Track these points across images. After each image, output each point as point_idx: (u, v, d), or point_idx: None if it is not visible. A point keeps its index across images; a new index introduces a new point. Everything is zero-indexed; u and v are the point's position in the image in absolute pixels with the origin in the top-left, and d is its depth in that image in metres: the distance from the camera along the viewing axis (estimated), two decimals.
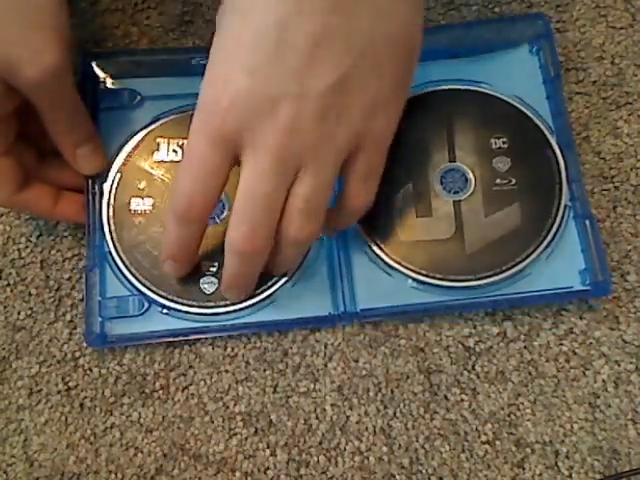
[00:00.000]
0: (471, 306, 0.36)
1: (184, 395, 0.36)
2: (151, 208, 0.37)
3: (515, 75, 0.40)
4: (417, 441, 0.35)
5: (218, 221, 0.37)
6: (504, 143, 0.38)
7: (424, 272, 0.36)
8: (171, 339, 0.36)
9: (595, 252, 0.36)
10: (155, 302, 0.36)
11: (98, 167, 0.37)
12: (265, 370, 0.36)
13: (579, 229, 0.37)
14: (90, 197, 0.37)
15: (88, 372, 0.37)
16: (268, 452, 0.35)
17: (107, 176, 0.37)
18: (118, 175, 0.37)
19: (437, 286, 0.36)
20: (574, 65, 0.41)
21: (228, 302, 0.36)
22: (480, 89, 0.39)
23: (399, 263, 0.36)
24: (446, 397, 0.36)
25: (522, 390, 0.36)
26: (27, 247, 0.38)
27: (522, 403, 0.36)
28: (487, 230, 0.37)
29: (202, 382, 0.36)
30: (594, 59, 0.41)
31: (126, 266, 0.36)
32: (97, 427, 0.36)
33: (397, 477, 0.35)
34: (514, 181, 0.37)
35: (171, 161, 0.37)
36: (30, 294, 0.38)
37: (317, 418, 0.36)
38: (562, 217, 0.37)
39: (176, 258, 0.33)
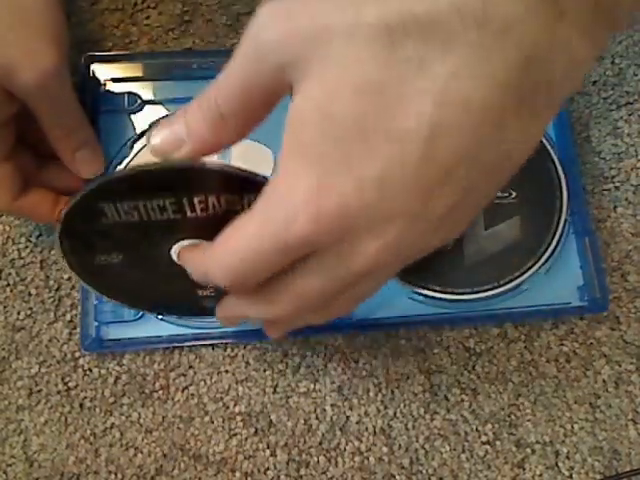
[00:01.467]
0: (468, 319, 0.36)
1: (184, 395, 0.36)
2: (121, 258, 0.33)
3: None
4: (417, 441, 0.35)
5: None
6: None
7: (422, 284, 0.36)
8: (167, 345, 0.36)
9: (594, 269, 0.36)
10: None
11: (97, 170, 0.37)
12: (265, 370, 0.36)
13: (578, 245, 0.37)
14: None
15: (88, 372, 0.36)
16: (268, 452, 0.35)
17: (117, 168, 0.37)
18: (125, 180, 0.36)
19: (434, 298, 0.36)
20: None
21: None
22: None
23: (397, 275, 0.36)
24: (446, 397, 0.36)
25: (522, 390, 0.36)
26: (27, 247, 0.38)
27: (522, 403, 0.36)
28: (486, 243, 0.37)
29: (202, 382, 0.36)
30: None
31: None
32: (97, 427, 0.36)
33: (397, 477, 0.35)
34: (514, 194, 0.37)
35: (135, 219, 0.33)
36: (30, 294, 0.38)
37: (317, 418, 0.36)
38: (562, 232, 0.37)
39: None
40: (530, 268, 0.36)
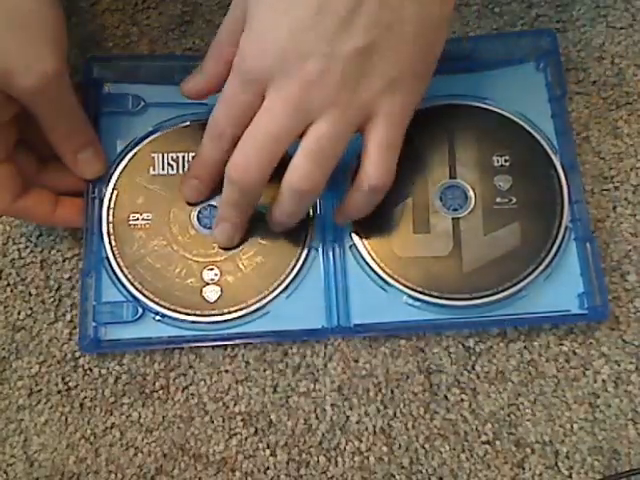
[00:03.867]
0: (466, 325, 0.36)
1: (184, 395, 0.36)
2: (150, 222, 0.37)
3: (520, 92, 0.39)
4: (417, 441, 0.35)
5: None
6: (506, 161, 0.38)
7: (420, 289, 0.36)
8: (165, 346, 0.36)
9: (594, 276, 0.36)
10: (150, 309, 0.36)
11: (99, 171, 0.37)
12: (265, 370, 0.36)
13: (579, 251, 0.36)
14: (89, 202, 0.37)
15: (88, 372, 0.37)
16: (268, 452, 0.35)
17: (107, 185, 0.37)
18: (115, 192, 0.37)
19: (432, 304, 0.36)
20: (574, 65, 0.41)
21: (226, 311, 0.36)
22: (483, 105, 0.39)
23: (394, 279, 0.36)
24: (446, 397, 0.36)
25: (522, 390, 0.36)
26: (27, 247, 0.38)
27: (522, 403, 0.36)
28: (485, 249, 0.36)
29: (202, 382, 0.36)
30: (594, 59, 0.41)
31: (123, 273, 0.36)
32: (97, 427, 0.36)
33: (397, 477, 0.35)
34: (515, 200, 0.37)
35: (167, 174, 0.38)
36: (30, 294, 0.38)
37: (317, 418, 0.36)
38: (562, 238, 0.36)
39: (201, 178, 0.36)
40: (530, 275, 0.36)
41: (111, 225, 0.37)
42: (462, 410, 0.36)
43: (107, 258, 0.36)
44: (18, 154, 0.35)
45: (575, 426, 0.35)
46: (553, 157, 0.38)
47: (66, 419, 0.36)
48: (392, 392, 0.36)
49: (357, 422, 0.36)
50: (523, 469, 0.35)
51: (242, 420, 0.36)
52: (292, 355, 0.37)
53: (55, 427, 0.36)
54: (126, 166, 0.38)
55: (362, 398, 0.36)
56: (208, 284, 0.36)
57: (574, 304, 0.36)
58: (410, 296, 0.36)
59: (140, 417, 0.36)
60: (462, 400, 0.36)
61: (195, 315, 0.36)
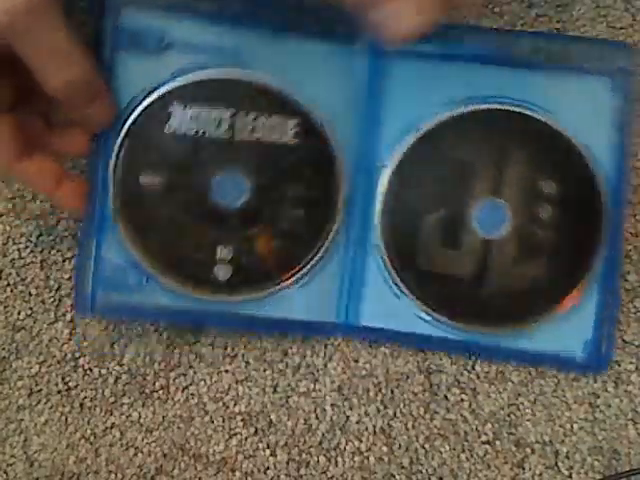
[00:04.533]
0: (470, 349, 0.35)
1: (184, 395, 0.36)
2: (163, 185, 0.34)
3: (582, 109, 0.35)
4: (417, 441, 0.35)
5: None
6: (554, 189, 0.34)
7: (433, 305, 0.35)
8: (165, 320, 0.35)
9: (608, 328, 0.34)
10: (154, 278, 0.34)
11: (105, 124, 0.33)
12: (265, 370, 0.36)
13: (600, 300, 0.35)
14: (96, 155, 0.34)
15: (88, 372, 0.37)
16: (268, 452, 0.35)
17: (116, 138, 0.33)
18: (125, 147, 0.33)
19: (443, 322, 0.35)
20: None
21: (235, 292, 0.34)
22: (542, 118, 0.34)
23: (410, 289, 0.35)
24: (446, 397, 0.36)
25: (522, 390, 0.36)
26: (27, 247, 0.38)
27: (522, 403, 0.36)
28: (509, 278, 0.35)
29: (202, 382, 0.36)
30: None
31: (129, 236, 0.33)
32: (97, 427, 0.36)
33: (397, 477, 0.35)
34: (553, 234, 0.34)
35: (186, 133, 0.33)
36: (30, 294, 0.38)
37: (317, 418, 0.36)
38: (587, 284, 0.35)
39: None
40: (546, 313, 0.34)
41: (119, 183, 0.33)
42: (462, 410, 0.36)
43: (113, 219, 0.34)
44: (22, 112, 0.32)
45: (575, 426, 0.35)
46: (603, 197, 0.34)
47: (66, 419, 0.36)
48: (392, 392, 0.36)
49: (357, 422, 0.36)
50: (523, 469, 0.35)
51: (242, 420, 0.36)
52: (292, 355, 0.37)
53: (55, 427, 0.36)
54: (139, 117, 0.33)
55: (362, 398, 0.36)
56: (220, 262, 0.34)
57: (579, 350, 0.35)
58: (422, 309, 0.35)
59: (140, 417, 0.36)
60: (462, 400, 0.36)
61: (202, 291, 0.34)
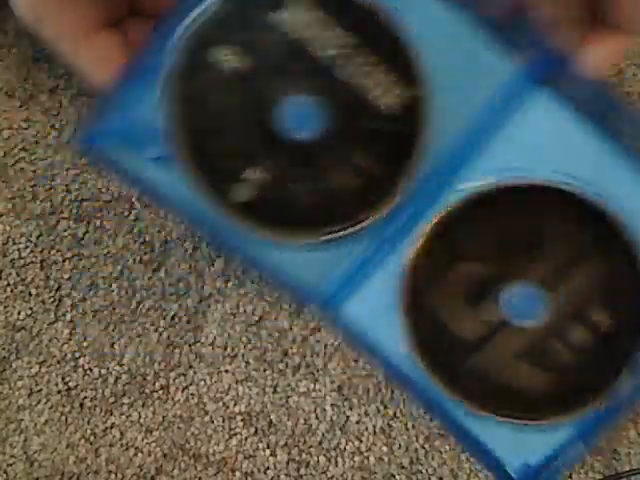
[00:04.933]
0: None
1: (184, 395, 0.36)
2: (237, 70, 0.28)
3: None
4: (417, 441, 0.35)
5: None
6: (608, 321, 0.29)
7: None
8: (165, 207, 0.31)
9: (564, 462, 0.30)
10: (173, 159, 0.28)
11: None
12: (265, 370, 0.36)
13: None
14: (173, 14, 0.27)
15: (88, 372, 0.37)
16: (268, 452, 0.35)
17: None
18: (203, 15, 0.27)
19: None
20: None
21: (248, 219, 0.29)
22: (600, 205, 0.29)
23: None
24: None
25: None
26: (27, 247, 0.38)
27: None
28: (511, 370, 0.30)
29: (202, 382, 0.36)
30: None
31: (170, 102, 0.27)
32: (97, 427, 0.36)
33: (397, 477, 0.35)
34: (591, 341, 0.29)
35: (295, 32, 0.28)
36: (30, 294, 0.38)
37: (317, 418, 0.36)
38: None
39: None
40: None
41: (187, 48, 0.27)
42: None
43: (163, 83, 0.27)
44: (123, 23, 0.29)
45: None
46: None
47: (66, 419, 0.36)
48: (392, 392, 0.36)
49: (357, 422, 0.36)
50: None
51: (242, 420, 0.36)
52: (292, 355, 0.37)
53: (55, 427, 0.36)
54: None
55: (362, 398, 0.36)
56: (243, 181, 0.28)
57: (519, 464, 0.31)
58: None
59: (140, 417, 0.36)
60: None
61: (219, 200, 0.28)
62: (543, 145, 0.30)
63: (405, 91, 0.29)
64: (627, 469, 0.35)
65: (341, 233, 0.30)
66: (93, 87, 0.31)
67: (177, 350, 0.37)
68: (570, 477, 0.35)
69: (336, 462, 0.35)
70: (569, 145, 0.29)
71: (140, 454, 0.35)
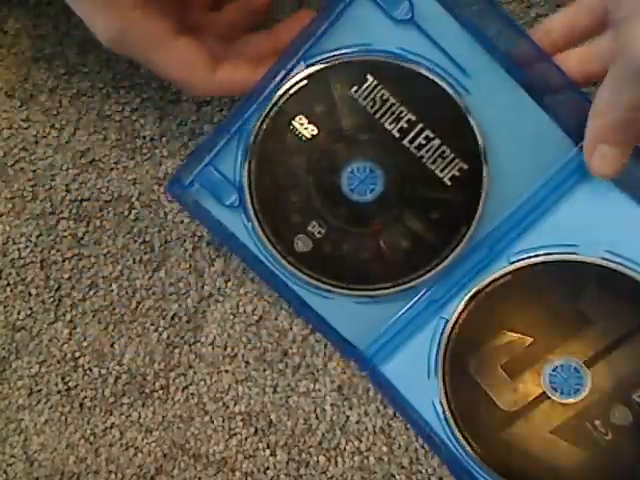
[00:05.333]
0: None
1: (184, 395, 0.36)
2: (313, 135, 0.32)
3: None
4: (417, 441, 0.35)
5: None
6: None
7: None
8: (233, 250, 0.34)
9: None
10: (247, 213, 0.33)
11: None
12: (265, 370, 0.36)
13: None
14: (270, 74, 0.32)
15: (88, 372, 0.37)
16: (268, 452, 0.35)
17: (295, 66, 0.31)
18: (299, 83, 0.31)
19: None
20: None
21: (306, 269, 0.33)
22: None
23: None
24: None
25: None
26: (27, 247, 0.38)
27: None
28: (547, 446, 0.31)
29: (202, 382, 0.36)
30: None
31: (247, 160, 0.32)
32: (97, 427, 0.36)
33: (397, 477, 0.35)
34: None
35: (366, 106, 0.31)
36: (30, 294, 0.38)
37: (317, 418, 0.36)
38: None
39: (614, 139, 0.28)
40: None
41: (270, 117, 0.32)
42: None
43: (251, 142, 0.32)
44: (198, 31, 0.32)
45: None
46: None
47: (66, 419, 0.36)
48: None
49: (357, 422, 0.36)
50: None
51: (242, 420, 0.36)
52: (292, 355, 0.37)
53: (55, 427, 0.36)
54: (335, 66, 0.31)
55: (362, 398, 0.36)
56: (303, 233, 0.33)
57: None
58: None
59: (140, 417, 0.36)
60: None
61: (281, 254, 0.33)
62: (592, 226, 0.31)
63: (465, 165, 0.31)
64: None
65: (390, 291, 0.33)
66: (186, 92, 0.35)
67: (177, 350, 0.37)
68: None
69: (336, 462, 0.35)
70: (618, 226, 0.30)
71: (140, 454, 0.35)
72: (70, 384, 0.36)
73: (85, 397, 0.36)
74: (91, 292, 0.37)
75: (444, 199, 0.32)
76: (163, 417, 0.36)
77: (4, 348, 0.37)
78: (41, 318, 0.37)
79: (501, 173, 0.31)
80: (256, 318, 0.37)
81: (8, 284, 0.38)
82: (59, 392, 0.36)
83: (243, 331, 0.37)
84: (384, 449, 0.35)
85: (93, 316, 0.37)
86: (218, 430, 0.36)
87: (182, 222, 0.37)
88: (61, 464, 0.35)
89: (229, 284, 0.37)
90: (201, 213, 0.33)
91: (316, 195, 0.32)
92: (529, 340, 0.31)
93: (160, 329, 0.37)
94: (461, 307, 0.32)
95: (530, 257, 0.31)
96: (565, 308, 0.31)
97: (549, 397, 0.31)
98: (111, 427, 0.36)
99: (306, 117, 0.32)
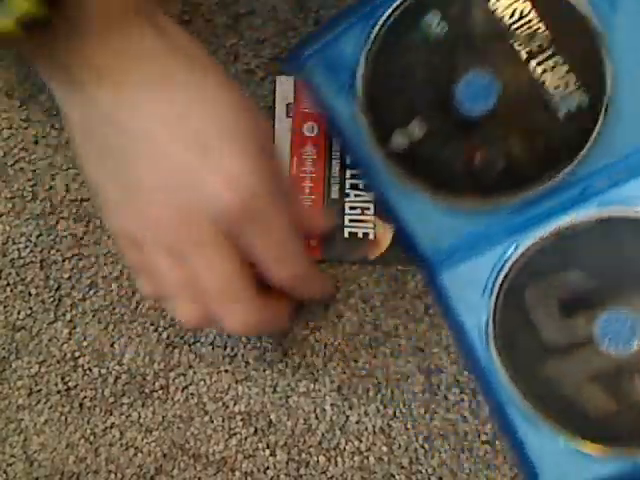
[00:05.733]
0: None
1: (184, 395, 0.36)
2: (442, 34, 0.32)
3: None
4: (417, 441, 0.35)
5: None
6: None
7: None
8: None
9: None
10: None
11: (318, 294, 0.34)
12: (265, 370, 0.36)
13: None
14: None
15: (88, 372, 0.37)
16: (268, 452, 0.35)
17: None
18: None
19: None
20: None
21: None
22: None
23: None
24: (446, 397, 0.36)
25: None
26: (27, 247, 0.38)
27: None
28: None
29: (202, 382, 0.36)
30: None
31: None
32: (97, 427, 0.36)
33: (397, 477, 0.35)
34: None
35: (504, 17, 0.30)
36: (30, 294, 0.38)
37: (317, 418, 0.36)
38: None
39: None
40: None
41: (403, 4, 0.31)
42: (462, 410, 0.36)
43: (372, 28, 0.32)
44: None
45: None
46: None
47: (66, 419, 0.36)
48: (392, 392, 0.36)
49: (357, 422, 0.36)
50: None
51: (242, 420, 0.36)
52: (292, 355, 0.37)
53: (55, 427, 0.36)
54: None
55: (362, 398, 0.36)
56: (402, 128, 0.32)
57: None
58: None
59: (140, 417, 0.36)
60: (462, 400, 0.36)
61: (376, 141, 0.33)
62: None
63: (586, 99, 0.30)
64: None
65: (473, 204, 0.32)
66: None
67: (177, 350, 0.37)
68: None
69: (336, 462, 0.35)
70: None
71: (140, 454, 0.35)
72: (70, 384, 0.36)
73: (85, 397, 0.36)
74: (91, 292, 0.37)
75: (554, 129, 0.31)
76: (163, 417, 0.36)
77: (4, 348, 0.37)
78: (41, 318, 0.37)
79: (619, 118, 0.30)
80: None
81: (8, 284, 0.38)
82: (59, 392, 0.36)
83: None
84: (384, 449, 0.35)
85: (93, 316, 0.37)
86: (218, 430, 0.36)
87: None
88: (61, 464, 0.35)
89: None
90: (312, 90, 0.33)
91: (427, 94, 0.32)
92: (593, 283, 0.30)
93: (160, 329, 0.37)
94: (536, 239, 0.31)
95: (618, 209, 0.30)
96: (634, 261, 0.30)
97: (596, 344, 0.30)
98: (111, 427, 0.36)
99: (440, 13, 0.31)
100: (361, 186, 0.36)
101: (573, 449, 0.30)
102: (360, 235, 0.36)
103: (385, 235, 0.36)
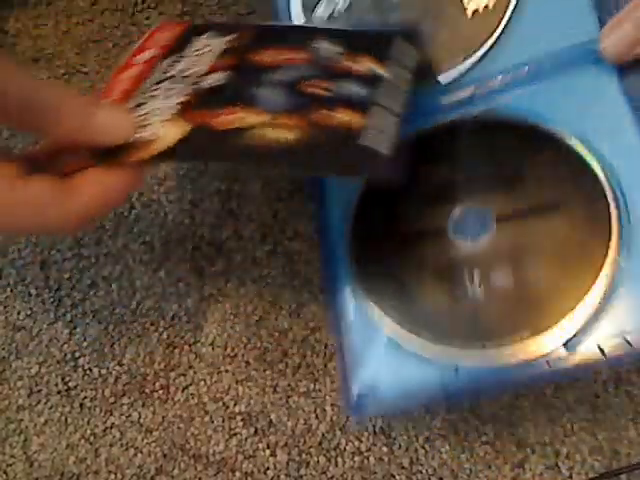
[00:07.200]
0: None
1: (184, 395, 0.36)
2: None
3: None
4: (417, 441, 0.35)
5: None
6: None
7: None
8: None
9: None
10: None
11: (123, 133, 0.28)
12: (265, 370, 0.36)
13: None
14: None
15: (88, 372, 0.37)
16: (268, 452, 0.35)
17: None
18: None
19: None
20: None
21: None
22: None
23: None
24: None
25: (522, 390, 0.36)
26: (27, 247, 0.38)
27: (522, 403, 0.36)
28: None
29: (202, 382, 0.36)
30: None
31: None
32: (97, 427, 0.36)
33: (397, 477, 0.35)
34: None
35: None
36: (30, 294, 0.38)
37: (317, 418, 0.36)
38: None
39: None
40: None
41: None
42: (462, 410, 0.36)
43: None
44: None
45: (575, 426, 0.35)
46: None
47: (66, 419, 0.36)
48: None
49: (357, 422, 0.36)
50: (523, 469, 0.35)
51: (242, 420, 0.36)
52: (292, 355, 0.37)
53: (55, 427, 0.36)
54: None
55: None
56: None
57: None
58: None
59: (140, 417, 0.36)
60: (462, 400, 0.36)
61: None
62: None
63: None
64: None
65: None
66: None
67: (177, 350, 0.37)
68: (570, 477, 0.35)
69: (336, 462, 0.35)
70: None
71: (140, 454, 0.35)
72: (70, 384, 0.36)
73: (85, 397, 0.36)
74: (91, 292, 0.37)
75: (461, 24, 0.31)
76: (163, 417, 0.36)
77: (4, 348, 0.37)
78: (41, 318, 0.37)
79: (521, 25, 0.31)
80: (256, 318, 0.37)
81: (8, 284, 0.38)
82: (59, 392, 0.36)
83: (243, 331, 0.37)
84: (384, 449, 0.35)
85: (93, 316, 0.37)
86: (218, 430, 0.36)
87: (182, 222, 0.37)
88: (61, 464, 0.35)
89: (229, 284, 0.37)
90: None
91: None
92: (458, 178, 0.31)
93: (160, 329, 0.37)
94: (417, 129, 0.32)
95: (494, 112, 0.31)
96: (501, 161, 0.31)
97: (447, 234, 0.30)
98: (111, 427, 0.36)
99: None
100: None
101: (395, 343, 0.29)
102: None
103: None
